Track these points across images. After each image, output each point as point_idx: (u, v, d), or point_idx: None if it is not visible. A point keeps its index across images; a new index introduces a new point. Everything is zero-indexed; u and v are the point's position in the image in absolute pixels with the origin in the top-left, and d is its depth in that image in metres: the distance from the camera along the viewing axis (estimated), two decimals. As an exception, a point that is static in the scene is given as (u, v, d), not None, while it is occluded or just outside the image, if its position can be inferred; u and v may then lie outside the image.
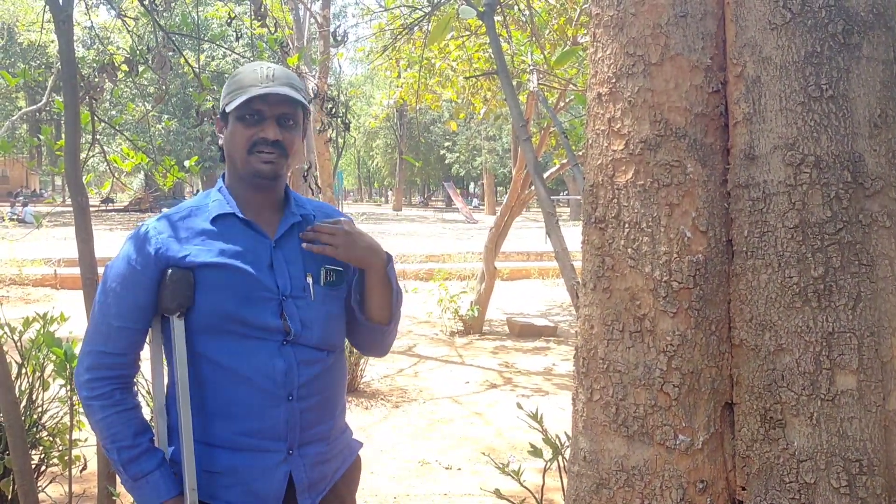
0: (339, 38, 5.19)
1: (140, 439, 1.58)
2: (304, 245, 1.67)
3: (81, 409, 3.06)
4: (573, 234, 3.18)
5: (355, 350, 1.86)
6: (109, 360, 1.59)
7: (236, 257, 1.61)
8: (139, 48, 3.81)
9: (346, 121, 4.72)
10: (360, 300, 1.77)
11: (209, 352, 1.59)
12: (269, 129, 1.61)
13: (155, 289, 1.59)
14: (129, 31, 4.22)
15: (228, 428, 1.59)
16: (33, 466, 2.94)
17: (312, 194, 4.81)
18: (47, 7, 2.75)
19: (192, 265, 1.58)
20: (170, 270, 1.58)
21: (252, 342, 1.59)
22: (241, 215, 1.65)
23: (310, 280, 1.66)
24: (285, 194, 1.74)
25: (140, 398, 1.70)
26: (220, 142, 1.70)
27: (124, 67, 3.70)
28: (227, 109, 1.63)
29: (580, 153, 5.18)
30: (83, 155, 3.07)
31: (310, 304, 1.65)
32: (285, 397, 1.60)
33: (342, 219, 1.71)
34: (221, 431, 1.60)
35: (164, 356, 1.70)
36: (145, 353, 1.68)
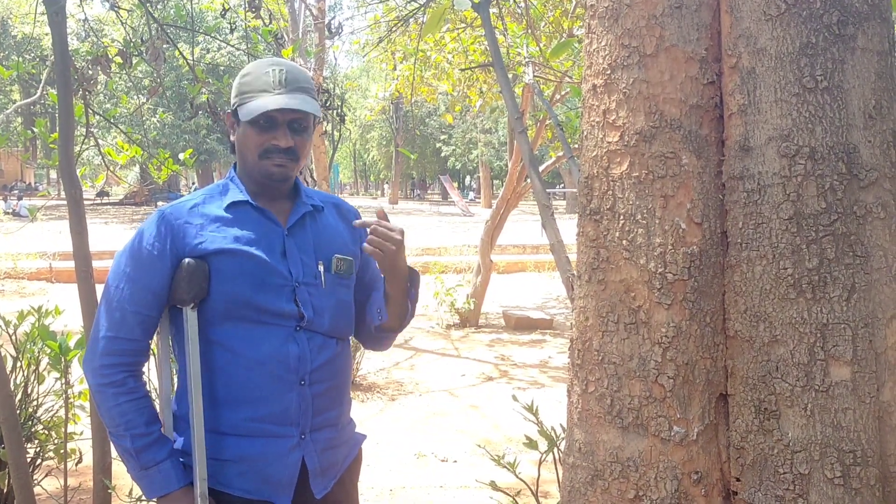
0: (334, 31, 5.18)
1: (152, 427, 1.60)
2: (365, 247, 1.66)
3: (76, 403, 3.08)
4: (569, 227, 3.18)
5: (352, 342, 1.87)
6: (122, 346, 1.59)
7: (250, 244, 1.62)
8: (133, 40, 3.80)
9: (342, 114, 4.71)
10: (381, 307, 1.80)
11: (223, 339, 1.60)
12: (282, 138, 1.62)
13: (170, 275, 1.60)
14: (122, 24, 4.20)
15: (240, 414, 1.61)
16: (29, 460, 2.94)
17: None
18: (40, -1, 2.73)
19: (207, 251, 1.59)
20: (186, 261, 1.58)
21: (266, 328, 1.61)
22: (254, 203, 1.67)
23: (321, 268, 1.69)
24: (295, 185, 1.76)
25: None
26: (232, 137, 1.70)
27: (118, 60, 3.69)
28: (240, 116, 1.63)
29: (576, 145, 5.17)
30: (77, 148, 3.06)
31: (321, 292, 1.68)
32: (297, 382, 1.62)
33: (399, 227, 1.71)
34: (233, 419, 1.61)
35: (171, 347, 1.71)
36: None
